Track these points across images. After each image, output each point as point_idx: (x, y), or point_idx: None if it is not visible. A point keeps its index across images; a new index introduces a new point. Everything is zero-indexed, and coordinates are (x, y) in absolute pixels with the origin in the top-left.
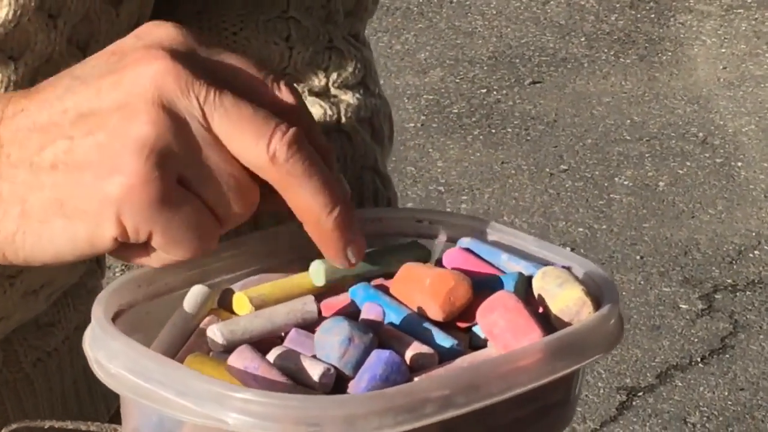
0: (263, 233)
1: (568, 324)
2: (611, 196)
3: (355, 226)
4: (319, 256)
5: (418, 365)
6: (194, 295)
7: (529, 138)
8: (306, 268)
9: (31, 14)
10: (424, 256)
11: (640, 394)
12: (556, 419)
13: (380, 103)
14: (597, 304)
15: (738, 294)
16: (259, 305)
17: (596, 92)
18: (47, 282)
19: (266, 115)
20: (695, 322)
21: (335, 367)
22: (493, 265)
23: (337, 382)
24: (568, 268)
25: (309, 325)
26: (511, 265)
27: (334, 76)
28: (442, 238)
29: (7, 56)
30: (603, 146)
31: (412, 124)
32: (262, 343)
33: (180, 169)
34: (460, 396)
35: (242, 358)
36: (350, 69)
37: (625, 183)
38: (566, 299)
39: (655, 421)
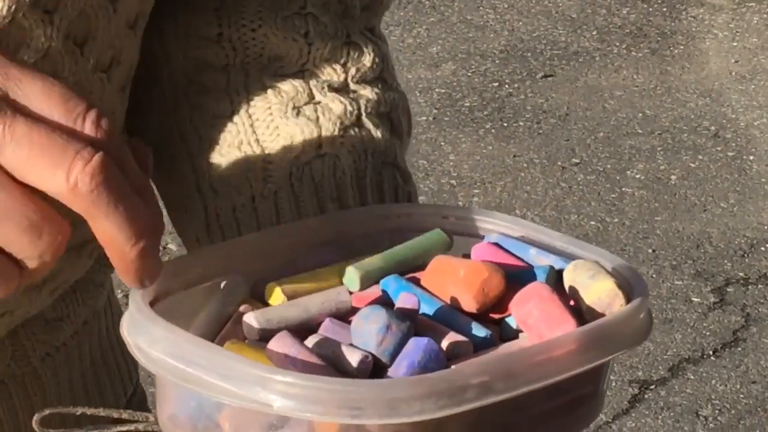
0: (298, 224)
1: (600, 315)
2: (623, 189)
3: (157, 253)
4: (349, 258)
5: (454, 354)
6: (229, 284)
7: (541, 131)
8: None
9: (26, 10)
10: (447, 244)
11: (653, 387)
12: (586, 412)
13: (398, 97)
14: (628, 297)
15: (750, 287)
16: (292, 296)
17: (608, 86)
18: (50, 277)
19: (65, 142)
20: (707, 316)
21: (373, 355)
22: (521, 260)
23: (373, 370)
24: (597, 262)
25: (342, 315)
26: (540, 259)
27: (352, 71)
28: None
29: (2, 53)
30: (615, 140)
31: (424, 118)
32: (297, 333)
33: None
34: (499, 382)
35: (282, 344)
36: (368, 63)
37: (637, 176)
38: (598, 291)
39: (667, 414)
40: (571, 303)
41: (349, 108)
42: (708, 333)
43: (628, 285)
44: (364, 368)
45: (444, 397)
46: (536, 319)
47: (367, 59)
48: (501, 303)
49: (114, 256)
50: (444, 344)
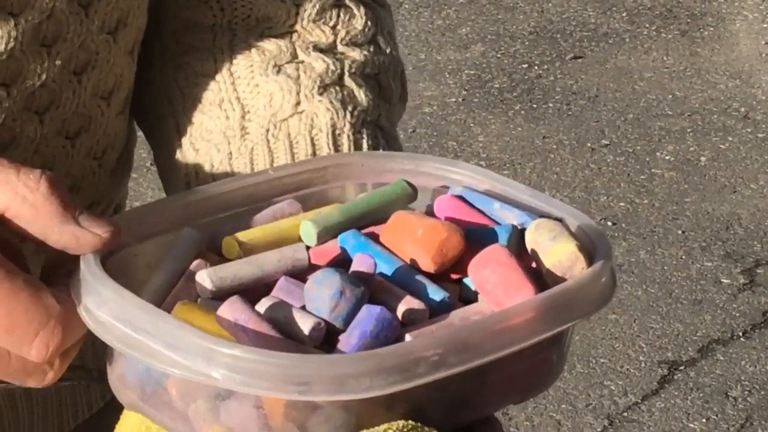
0: (258, 174)
1: (560, 279)
2: (653, 170)
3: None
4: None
5: (409, 320)
6: (183, 238)
7: (570, 113)
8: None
9: None
10: (410, 196)
11: (682, 368)
12: (546, 375)
13: (390, 62)
14: (590, 260)
15: None
16: (249, 250)
17: (638, 67)
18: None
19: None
20: (737, 297)
21: (326, 321)
22: (485, 215)
23: (326, 335)
24: (561, 220)
25: (299, 273)
26: (504, 214)
27: (342, 33)
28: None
29: (0, 83)
30: (644, 121)
31: (454, 99)
32: (250, 292)
33: None
34: (453, 355)
35: (232, 310)
36: (359, 27)
37: (667, 158)
38: (559, 254)
39: (696, 395)
40: (533, 265)
41: (332, 67)
42: (737, 314)
43: (592, 246)
44: (316, 335)
45: (394, 373)
46: (494, 284)
47: (359, 22)
48: (461, 262)
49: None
50: (399, 310)
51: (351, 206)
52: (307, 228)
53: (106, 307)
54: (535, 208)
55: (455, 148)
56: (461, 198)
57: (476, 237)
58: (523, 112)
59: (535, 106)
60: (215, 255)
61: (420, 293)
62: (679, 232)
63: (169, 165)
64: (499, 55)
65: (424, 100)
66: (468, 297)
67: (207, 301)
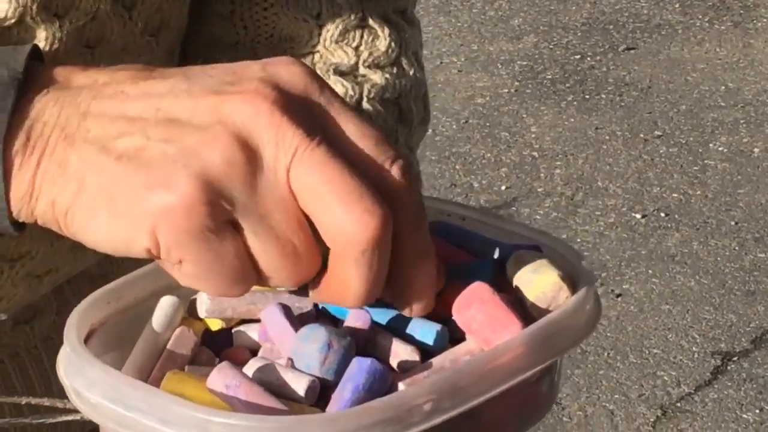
0: None
1: (545, 311)
2: (706, 162)
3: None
4: None
5: (402, 368)
6: (163, 307)
7: (623, 104)
8: None
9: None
10: None
11: (735, 358)
12: (540, 405)
13: (413, 84)
14: (573, 287)
15: None
16: (229, 321)
17: (690, 59)
18: (52, 269)
19: (356, 183)
20: None
21: (318, 377)
22: (463, 248)
23: (321, 390)
24: (538, 248)
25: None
26: (482, 249)
27: (365, 54)
28: None
29: (53, 13)
30: (697, 112)
31: (506, 90)
32: (235, 352)
33: (235, 213)
34: (446, 400)
35: (222, 376)
36: (383, 48)
37: (720, 149)
38: (542, 285)
39: (749, 385)
40: (517, 298)
41: (350, 92)
42: None
43: (574, 272)
44: (312, 394)
45: (391, 424)
46: (480, 323)
47: (382, 44)
48: (444, 301)
49: (328, 293)
50: (392, 362)
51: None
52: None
53: (96, 388)
54: (510, 234)
55: (507, 138)
56: (437, 231)
57: (457, 274)
58: (575, 103)
59: (587, 97)
60: (197, 320)
61: (410, 336)
62: (732, 223)
63: None
64: (551, 47)
65: (477, 90)
66: (455, 337)
67: (196, 368)
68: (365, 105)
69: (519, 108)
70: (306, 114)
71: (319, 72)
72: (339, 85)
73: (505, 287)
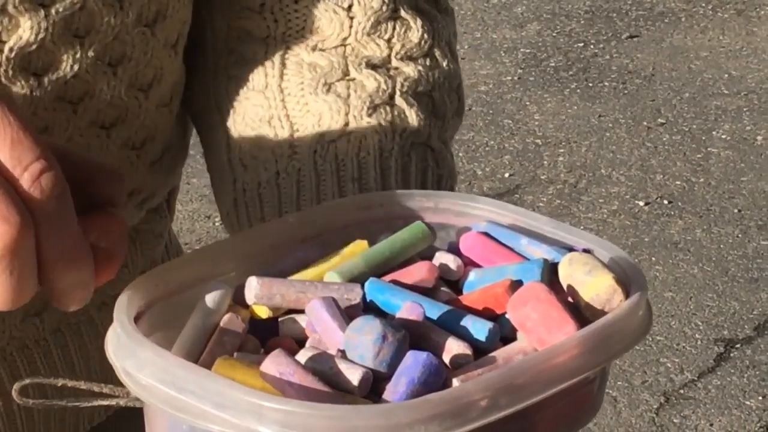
0: (278, 222)
1: (599, 313)
2: (709, 149)
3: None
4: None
5: (455, 364)
6: (211, 292)
7: (626, 92)
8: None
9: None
10: (429, 237)
11: (738, 345)
12: (589, 409)
13: (446, 76)
14: (627, 291)
15: None
16: (276, 309)
17: (694, 46)
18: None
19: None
20: None
21: (371, 369)
22: (513, 250)
23: (373, 383)
24: (590, 251)
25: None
26: (532, 249)
27: (397, 47)
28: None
29: (31, 73)
30: (700, 100)
31: (509, 78)
32: (282, 342)
33: None
34: (503, 398)
35: (276, 364)
36: (415, 40)
37: (723, 137)
38: (597, 287)
39: (752, 372)
40: (570, 300)
41: (383, 86)
42: None
43: (626, 277)
44: (365, 385)
45: (448, 419)
46: (535, 322)
47: (415, 35)
48: (495, 299)
49: None
50: (445, 356)
51: (373, 253)
52: (332, 279)
53: (147, 369)
54: (560, 240)
55: (511, 126)
56: (487, 234)
57: (508, 273)
58: (578, 90)
59: (590, 84)
60: (243, 308)
61: (463, 332)
62: (735, 210)
63: (219, 176)
64: (554, 34)
65: (480, 78)
66: (506, 335)
67: (245, 355)
68: (398, 99)
69: (522, 95)
70: None
71: (350, 66)
72: (372, 79)
73: (556, 289)
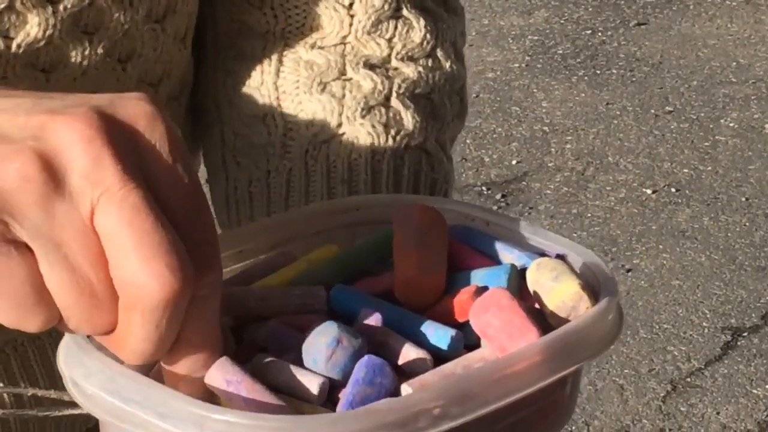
0: (250, 227)
1: (564, 321)
2: (717, 137)
3: None
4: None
5: (412, 370)
6: None
7: (634, 79)
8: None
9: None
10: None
11: (745, 334)
12: (556, 418)
13: (448, 77)
14: (595, 298)
15: None
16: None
17: (702, 34)
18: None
19: (166, 240)
20: None
21: (323, 374)
22: (485, 254)
23: (329, 391)
24: (563, 257)
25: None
26: (504, 255)
27: (398, 47)
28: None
29: (39, 69)
30: (708, 88)
31: (517, 65)
32: (244, 350)
33: (25, 234)
34: (455, 407)
35: (223, 372)
36: (417, 40)
37: (731, 125)
38: (562, 294)
39: (759, 361)
40: (536, 306)
41: (379, 87)
42: None
43: (597, 282)
44: (323, 395)
45: (396, 428)
46: (496, 329)
47: (417, 35)
48: (461, 306)
49: (113, 343)
50: (401, 363)
51: (342, 258)
52: (298, 283)
53: (93, 378)
54: (536, 246)
55: (518, 113)
56: (460, 238)
57: (476, 278)
58: (586, 78)
59: (598, 72)
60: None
61: (426, 339)
62: (743, 199)
63: (214, 173)
64: (562, 21)
65: (488, 65)
66: (470, 343)
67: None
68: (394, 101)
69: (530, 83)
70: (131, 152)
71: (348, 66)
72: (368, 79)
73: (525, 295)
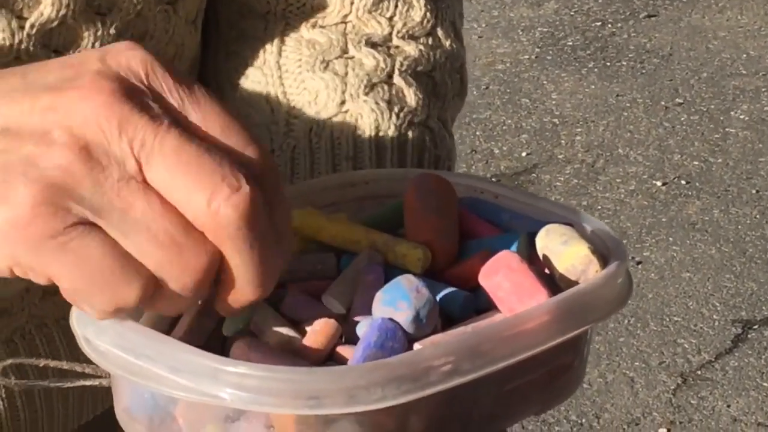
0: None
1: (574, 283)
2: (727, 129)
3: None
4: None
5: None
6: None
7: (644, 71)
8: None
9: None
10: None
11: (756, 326)
12: (566, 382)
13: (448, 56)
14: (604, 262)
15: None
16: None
17: (712, 26)
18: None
19: (216, 163)
20: None
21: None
22: (494, 224)
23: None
24: (571, 225)
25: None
26: (513, 224)
27: (399, 25)
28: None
29: (52, 50)
30: (719, 80)
31: (527, 56)
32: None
33: (90, 215)
34: (465, 362)
35: (243, 351)
36: (417, 19)
37: (741, 117)
38: (572, 257)
39: None
40: (545, 271)
41: (382, 65)
42: None
43: (605, 248)
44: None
45: (406, 382)
46: (506, 291)
47: (417, 14)
48: (472, 270)
49: (225, 291)
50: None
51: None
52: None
53: (105, 335)
54: (543, 215)
55: (528, 105)
56: (469, 208)
57: (486, 246)
58: (596, 69)
59: (608, 64)
60: None
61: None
62: (753, 191)
63: None
64: (572, 13)
65: (497, 57)
66: (481, 306)
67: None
68: (396, 78)
69: (539, 74)
70: (147, 99)
71: (350, 44)
72: (370, 57)
73: (535, 260)
